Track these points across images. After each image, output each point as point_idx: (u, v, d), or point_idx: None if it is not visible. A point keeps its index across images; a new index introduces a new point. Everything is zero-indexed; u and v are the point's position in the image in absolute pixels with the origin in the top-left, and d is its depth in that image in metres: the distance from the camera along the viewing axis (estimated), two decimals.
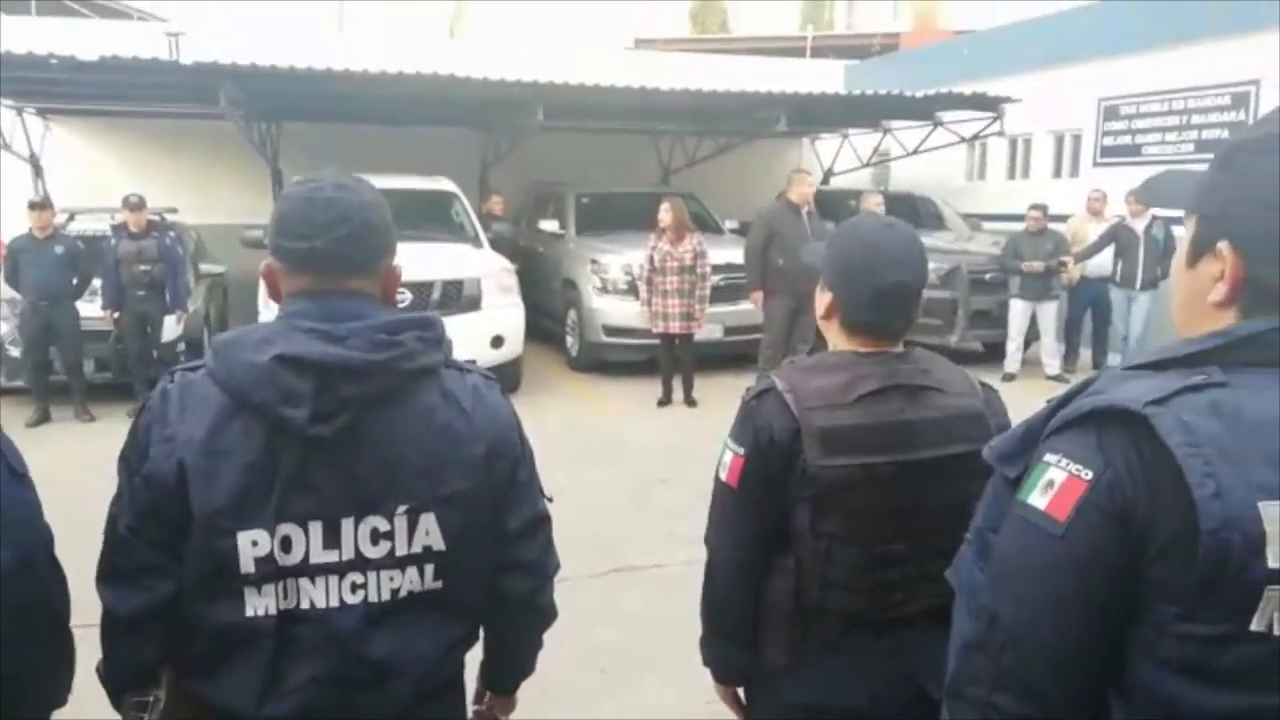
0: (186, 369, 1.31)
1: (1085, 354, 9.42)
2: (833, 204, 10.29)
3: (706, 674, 1.76)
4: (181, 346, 7.76)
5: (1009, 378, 8.76)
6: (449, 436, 1.32)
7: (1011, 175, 12.38)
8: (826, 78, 14.23)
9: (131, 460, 1.30)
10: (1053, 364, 8.83)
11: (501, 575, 1.43)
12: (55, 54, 7.66)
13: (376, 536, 1.29)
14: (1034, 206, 8.85)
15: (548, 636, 1.58)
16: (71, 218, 8.72)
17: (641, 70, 11.99)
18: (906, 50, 16.44)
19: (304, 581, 1.27)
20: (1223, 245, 0.95)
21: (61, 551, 1.35)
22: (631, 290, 8.33)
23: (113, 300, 7.32)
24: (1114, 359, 8.57)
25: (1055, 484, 0.92)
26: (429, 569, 1.33)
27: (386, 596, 1.31)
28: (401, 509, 1.30)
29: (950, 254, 9.46)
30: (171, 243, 7.65)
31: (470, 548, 1.36)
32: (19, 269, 7.13)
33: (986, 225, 11.33)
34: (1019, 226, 9.01)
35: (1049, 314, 8.78)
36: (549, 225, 10.15)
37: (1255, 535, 0.83)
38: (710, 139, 12.26)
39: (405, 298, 6.95)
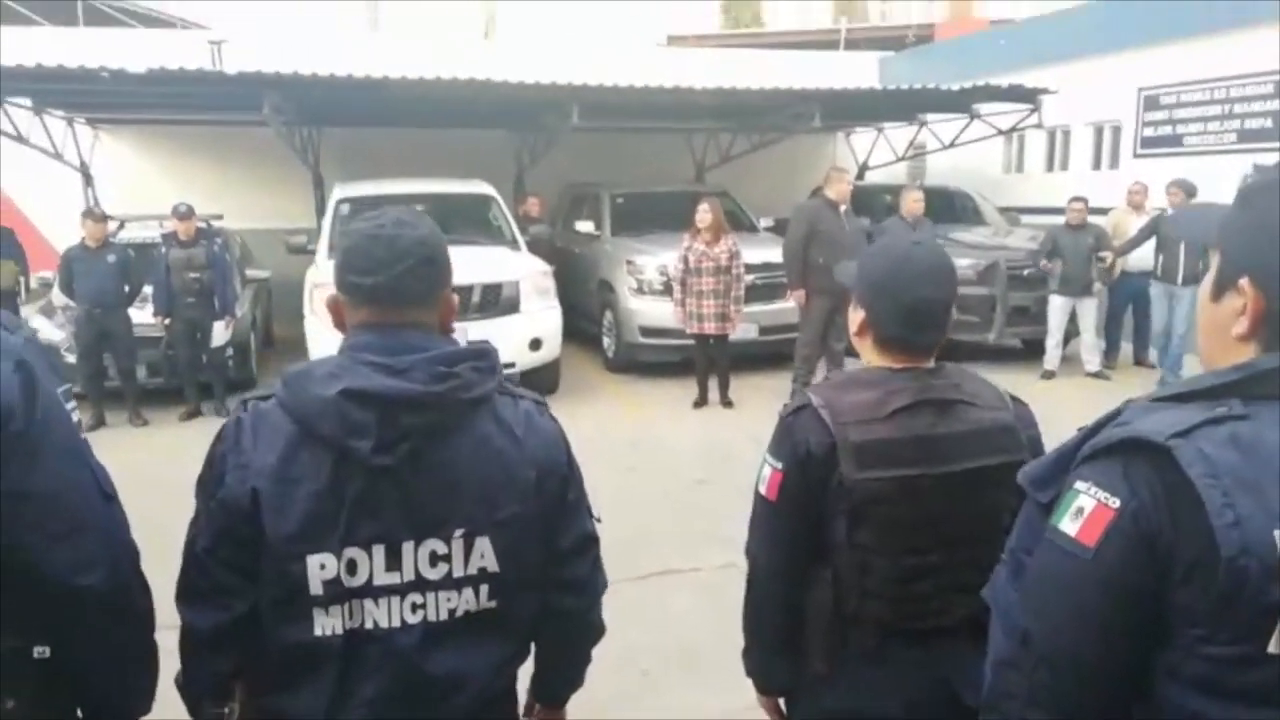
0: (258, 398, 1.39)
1: (1126, 349, 9.30)
2: (867, 199, 10.27)
3: (746, 679, 1.81)
4: (229, 351, 7.95)
5: (1048, 375, 8.69)
6: (502, 462, 1.40)
7: (1050, 168, 12.23)
8: (861, 71, 14.16)
9: (208, 485, 1.38)
10: (1093, 360, 8.73)
11: (552, 593, 1.51)
12: (106, 67, 7.88)
13: (435, 559, 1.37)
14: (1074, 199, 8.71)
15: None
16: (121, 226, 8.97)
17: (674, 67, 12.05)
18: (942, 41, 16.30)
19: (368, 602, 1.35)
20: (1244, 281, 1.00)
21: None
22: (667, 291, 8.37)
23: (164, 307, 7.53)
24: (1154, 355, 8.44)
25: (1085, 511, 0.98)
26: (484, 589, 1.40)
27: (445, 616, 1.38)
28: (458, 532, 1.37)
29: (988, 249, 9.38)
30: (219, 250, 7.84)
31: (523, 568, 1.43)
32: (73, 278, 7.36)
33: (1025, 219, 11.21)
34: (1058, 220, 8.90)
35: (1089, 310, 8.67)
36: (584, 226, 10.23)
37: (1271, 562, 0.88)
38: (744, 136, 12.25)
39: None
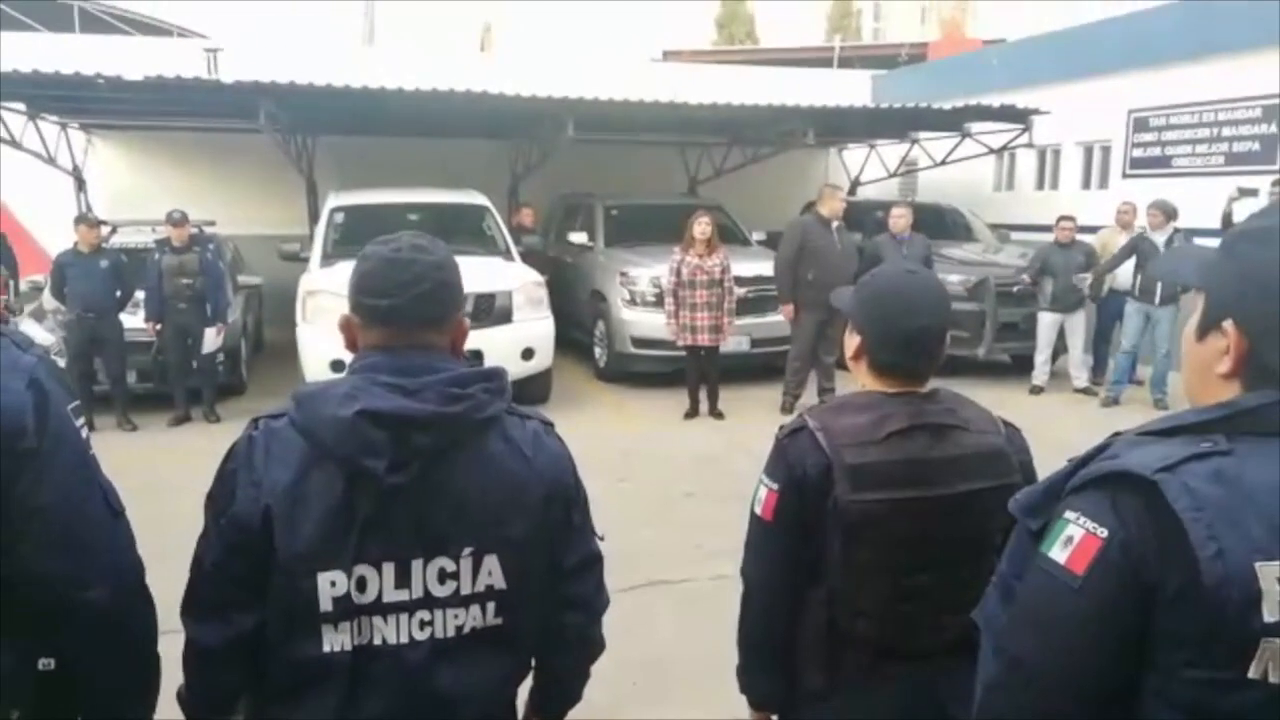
0: (270, 417, 1.41)
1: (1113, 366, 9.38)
2: (859, 215, 10.33)
3: (736, 690, 1.83)
4: (220, 358, 7.94)
5: (1037, 390, 8.77)
6: (511, 482, 1.42)
7: (1040, 186, 12.35)
8: (854, 88, 14.27)
9: (219, 502, 1.40)
10: (1080, 376, 8.81)
11: (556, 611, 1.54)
12: (103, 74, 7.89)
13: (443, 576, 1.39)
14: (1063, 218, 8.81)
15: None
16: (114, 231, 8.95)
17: (669, 82, 12.12)
18: (934, 60, 16.45)
19: (377, 619, 1.37)
20: (1228, 324, 1.04)
21: None
22: (659, 302, 8.41)
23: (156, 313, 7.52)
24: (1144, 370, 8.52)
25: (1074, 540, 1.01)
26: (490, 606, 1.42)
27: (452, 633, 1.40)
28: (467, 550, 1.39)
29: (978, 266, 9.47)
30: (212, 256, 7.85)
31: (529, 586, 1.46)
32: (65, 282, 7.35)
33: (1015, 236, 11.31)
34: (1048, 238, 8.99)
35: (1077, 326, 8.76)
36: (578, 237, 10.27)
37: (1252, 592, 0.92)
38: (737, 150, 12.34)
39: None
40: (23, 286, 9.52)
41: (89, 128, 11.48)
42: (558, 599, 1.53)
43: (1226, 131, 9.65)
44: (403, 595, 1.37)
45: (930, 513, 1.60)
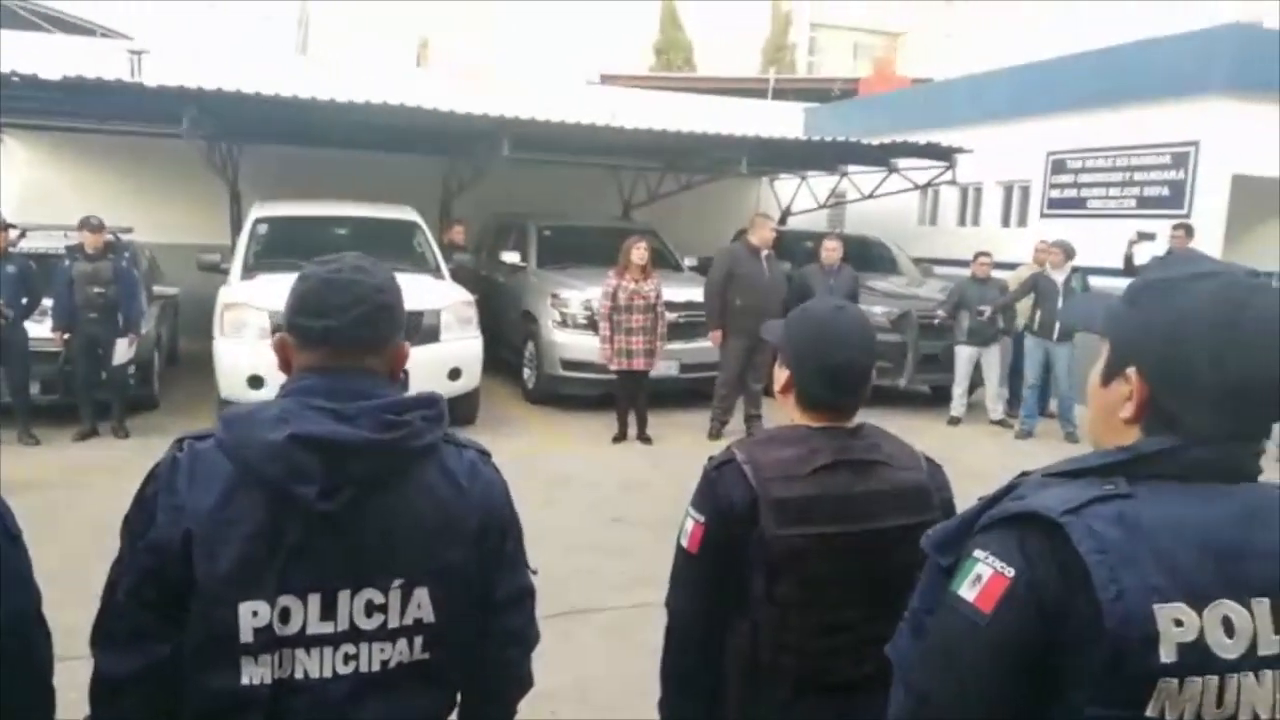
0: (194, 438, 1.35)
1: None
2: (789, 245, 10.50)
3: (657, 716, 1.81)
4: (132, 369, 7.65)
5: (954, 421, 9.00)
6: (445, 513, 1.38)
7: (963, 222, 12.74)
8: (787, 120, 14.56)
9: (136, 526, 1.34)
10: (996, 409, 9.07)
11: (485, 644, 1.49)
12: (18, 71, 7.58)
13: (371, 609, 1.34)
14: (980, 254, 9.14)
15: None
16: (23, 234, 8.57)
17: (606, 105, 12.18)
18: (865, 96, 16.88)
19: (299, 652, 1.31)
20: (1131, 371, 1.08)
21: None
22: (590, 325, 8.40)
23: (64, 321, 7.20)
24: (1054, 403, 8.81)
25: (982, 579, 1.03)
26: (418, 640, 1.38)
27: (377, 667, 1.35)
28: (397, 583, 1.35)
29: (901, 298, 9.70)
30: (127, 265, 7.56)
31: (458, 620, 1.41)
32: None
33: (938, 270, 11.62)
34: (968, 273, 9.27)
35: (993, 360, 9.02)
36: (510, 256, 10.20)
37: (1150, 633, 0.95)
38: (671, 176, 12.45)
39: None
40: None
41: (2, 126, 11.01)
42: (488, 633, 1.49)
43: (1139, 176, 10.10)
44: (327, 628, 1.32)
45: (854, 548, 1.61)
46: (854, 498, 1.62)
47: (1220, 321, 1.02)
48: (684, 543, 1.67)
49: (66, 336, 7.24)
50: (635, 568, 4.79)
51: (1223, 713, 0.97)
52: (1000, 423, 8.97)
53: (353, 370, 1.36)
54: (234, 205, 10.57)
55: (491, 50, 19.70)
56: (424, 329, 7.63)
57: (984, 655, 1.02)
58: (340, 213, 9.15)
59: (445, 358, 7.59)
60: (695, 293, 8.52)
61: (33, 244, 8.41)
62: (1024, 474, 1.12)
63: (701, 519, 1.64)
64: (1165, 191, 9.80)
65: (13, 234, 7.79)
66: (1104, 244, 9.14)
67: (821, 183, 13.29)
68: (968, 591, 1.04)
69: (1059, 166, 11.03)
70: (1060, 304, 8.22)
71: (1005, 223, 11.97)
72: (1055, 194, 11.12)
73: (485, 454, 1.51)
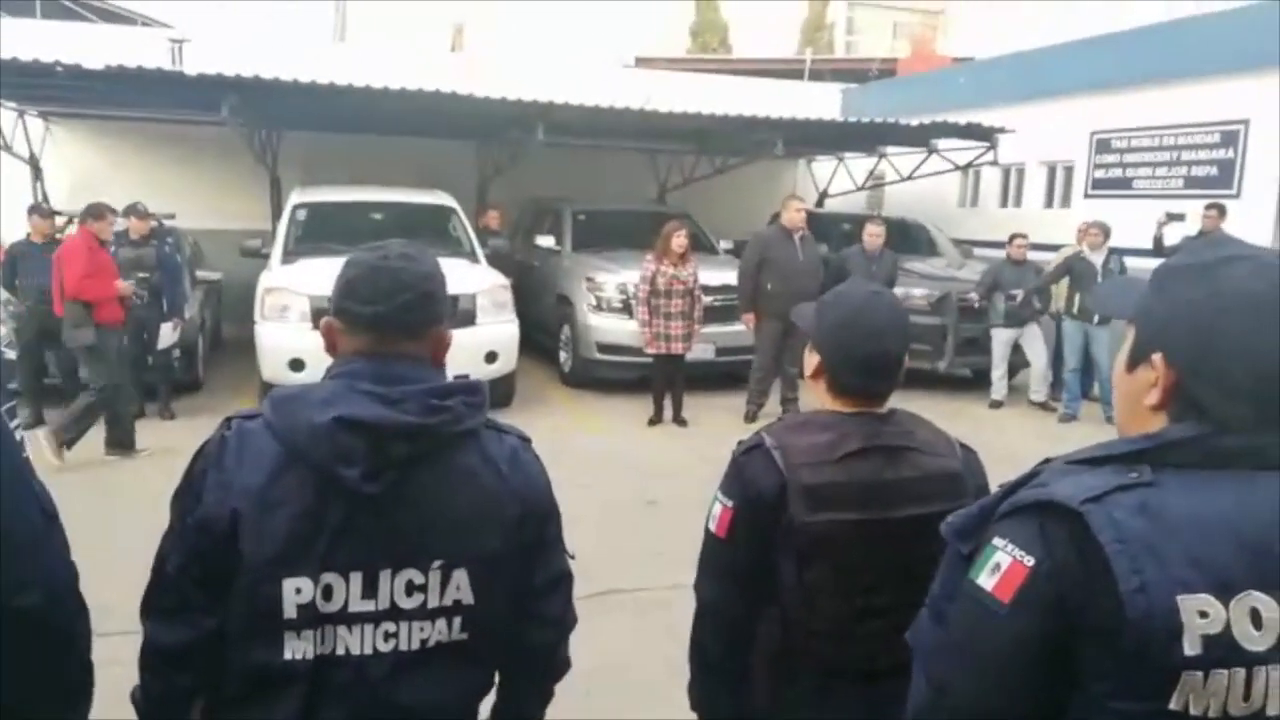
0: (243, 418, 1.39)
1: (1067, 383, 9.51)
2: (826, 227, 10.41)
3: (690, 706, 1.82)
4: (176, 353, 7.80)
5: (996, 404, 8.88)
6: (486, 496, 1.41)
7: (1004, 204, 12.51)
8: (824, 101, 14.39)
9: (185, 502, 1.37)
10: (1040, 391, 8.92)
11: (523, 628, 1.52)
12: (61, 62, 7.72)
13: (411, 589, 1.37)
14: (1016, 235, 8.99)
15: None
16: (70, 221, 8.75)
17: (641, 88, 12.12)
18: (903, 76, 16.63)
19: (341, 629, 1.35)
20: (1156, 357, 1.06)
21: None
22: (626, 309, 8.40)
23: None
24: (1097, 387, 8.66)
25: (1001, 567, 1.02)
26: (457, 621, 1.41)
27: (416, 646, 1.38)
28: (436, 564, 1.38)
29: (941, 280, 9.57)
30: (170, 250, 7.70)
31: (497, 602, 1.44)
32: (17, 273, 7.17)
33: (979, 252, 11.45)
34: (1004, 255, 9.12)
35: (1034, 341, 8.86)
36: (545, 241, 10.23)
37: (1174, 626, 0.93)
38: (707, 159, 12.37)
39: None
40: None
41: (48, 115, 11.23)
42: (526, 616, 1.52)
43: (1186, 155, 9.85)
44: (369, 606, 1.35)
45: (884, 535, 1.60)
46: (884, 484, 1.61)
47: (1250, 307, 1.00)
48: (712, 527, 1.67)
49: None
50: (670, 549, 4.79)
51: (1250, 706, 0.94)
52: (1043, 405, 8.83)
53: (398, 355, 1.39)
54: (274, 191, 10.70)
55: (526, 35, 19.70)
56: (460, 313, 7.68)
57: (1003, 645, 1.01)
58: (377, 198, 9.22)
59: (482, 341, 7.64)
60: (730, 276, 8.48)
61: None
62: (1046, 460, 1.10)
63: (730, 504, 1.64)
64: (1214, 171, 9.55)
65: (59, 221, 7.95)
66: (1150, 226, 8.94)
67: (860, 164, 13.14)
68: (986, 580, 1.03)
69: (1103, 146, 10.79)
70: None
71: (1049, 204, 11.74)
72: (1100, 174, 10.88)
73: (526, 440, 1.53)
